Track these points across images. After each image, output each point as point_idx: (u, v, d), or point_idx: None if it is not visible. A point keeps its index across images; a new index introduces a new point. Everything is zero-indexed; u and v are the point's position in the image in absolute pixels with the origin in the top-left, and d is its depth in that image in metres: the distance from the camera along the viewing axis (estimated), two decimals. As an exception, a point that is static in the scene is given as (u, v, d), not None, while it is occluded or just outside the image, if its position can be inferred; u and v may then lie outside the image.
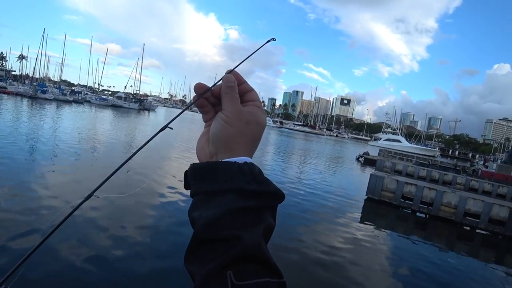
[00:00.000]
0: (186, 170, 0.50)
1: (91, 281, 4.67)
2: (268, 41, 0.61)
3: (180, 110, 0.64)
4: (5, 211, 6.47)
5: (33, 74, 66.76)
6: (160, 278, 5.00)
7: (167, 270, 5.21)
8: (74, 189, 8.48)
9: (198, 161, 0.53)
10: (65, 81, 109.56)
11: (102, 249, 5.59)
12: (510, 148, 32.01)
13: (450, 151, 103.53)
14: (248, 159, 0.48)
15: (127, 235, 6.30)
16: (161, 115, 64.59)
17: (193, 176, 0.48)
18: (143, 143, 0.60)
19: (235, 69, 0.55)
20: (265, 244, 0.43)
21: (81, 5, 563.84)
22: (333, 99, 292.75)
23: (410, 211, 12.33)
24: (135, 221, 7.04)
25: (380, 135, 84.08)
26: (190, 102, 0.55)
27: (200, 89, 0.53)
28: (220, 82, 0.53)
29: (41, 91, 48.79)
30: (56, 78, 78.25)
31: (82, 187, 8.65)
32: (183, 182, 0.51)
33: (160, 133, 0.59)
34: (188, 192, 0.50)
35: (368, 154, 32.57)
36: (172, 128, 0.56)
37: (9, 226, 5.77)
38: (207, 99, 0.54)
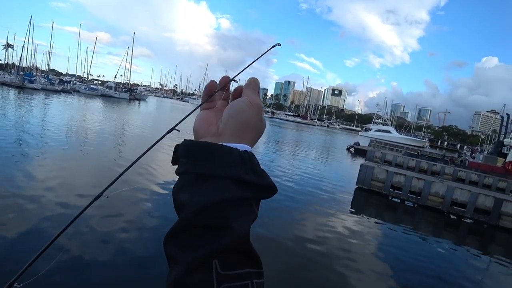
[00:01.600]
0: (177, 145, 0.47)
1: (99, 278, 4.72)
2: (273, 46, 0.62)
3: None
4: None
5: (19, 63, 65.13)
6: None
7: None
8: (63, 184, 8.44)
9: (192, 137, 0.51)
10: (53, 70, 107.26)
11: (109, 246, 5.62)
12: (496, 139, 32.53)
13: (439, 142, 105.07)
14: (249, 148, 0.47)
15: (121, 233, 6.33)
16: (152, 105, 63.95)
17: (186, 154, 0.45)
18: (150, 145, 0.59)
19: (237, 75, 0.57)
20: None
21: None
22: (325, 89, 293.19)
23: (399, 201, 12.57)
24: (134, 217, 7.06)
25: (371, 125, 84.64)
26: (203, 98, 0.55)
27: (225, 83, 0.55)
28: (258, 59, 0.56)
29: (29, 81, 47.67)
30: (44, 67, 76.61)
31: (72, 182, 8.62)
32: (171, 157, 0.48)
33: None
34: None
35: (359, 145, 32.89)
36: (179, 130, 0.57)
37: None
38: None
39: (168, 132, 0.60)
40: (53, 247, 0.59)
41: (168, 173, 10.38)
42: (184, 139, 0.47)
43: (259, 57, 0.55)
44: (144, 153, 0.58)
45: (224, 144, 0.45)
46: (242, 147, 0.46)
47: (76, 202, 6.89)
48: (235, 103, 0.50)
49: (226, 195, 0.41)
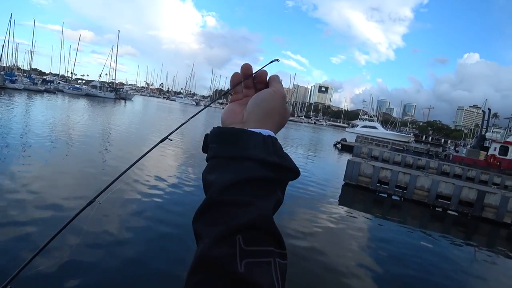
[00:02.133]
0: (207, 133, 0.50)
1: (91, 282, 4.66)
2: (272, 62, 0.64)
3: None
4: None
5: (0, 63, 63.40)
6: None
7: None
8: (50, 188, 8.29)
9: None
10: (35, 69, 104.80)
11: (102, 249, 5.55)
12: (478, 134, 33.30)
13: (424, 137, 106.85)
14: (272, 133, 0.50)
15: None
16: (138, 104, 63.12)
17: (215, 139, 0.49)
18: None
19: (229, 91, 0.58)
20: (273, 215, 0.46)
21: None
22: (311, 86, 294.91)
23: (386, 195, 12.77)
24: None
25: (357, 122, 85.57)
26: (213, 98, 0.53)
27: (246, 70, 0.56)
28: (261, 68, 0.57)
29: (10, 81, 46.31)
30: (26, 67, 74.43)
31: (58, 186, 8.47)
32: (202, 145, 0.51)
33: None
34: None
35: (346, 141, 33.20)
36: (171, 140, 0.58)
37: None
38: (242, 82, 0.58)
39: (161, 141, 0.61)
40: (45, 252, 0.60)
41: (154, 178, 10.30)
42: (214, 127, 0.50)
43: (259, 70, 0.56)
44: (136, 161, 0.59)
45: (249, 129, 0.48)
46: (265, 132, 0.49)
47: (66, 206, 6.79)
48: (260, 93, 0.54)
49: (250, 174, 0.44)
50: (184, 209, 7.66)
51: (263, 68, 0.57)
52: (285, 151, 0.47)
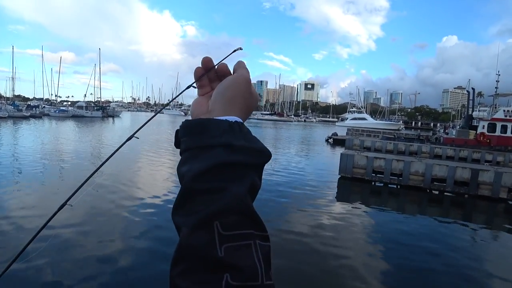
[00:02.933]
0: (177, 129, 0.51)
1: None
2: (235, 51, 0.64)
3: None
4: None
5: (-19, 93, 62.42)
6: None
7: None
8: (43, 206, 8.16)
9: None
10: (19, 96, 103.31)
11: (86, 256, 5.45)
12: (465, 114, 33.79)
13: (413, 123, 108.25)
14: (239, 119, 0.50)
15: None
16: (126, 120, 62.66)
17: (184, 132, 0.50)
18: (110, 152, 0.61)
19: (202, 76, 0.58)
20: (251, 201, 0.46)
21: (26, 13, 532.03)
22: (297, 85, 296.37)
23: (382, 184, 12.85)
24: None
25: (346, 115, 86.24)
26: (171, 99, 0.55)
27: (207, 63, 0.57)
28: (222, 62, 0.58)
29: (-7, 110, 45.84)
30: (9, 94, 73.39)
31: (50, 203, 8.32)
32: (173, 141, 0.52)
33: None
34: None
35: (337, 135, 33.38)
36: (138, 138, 0.57)
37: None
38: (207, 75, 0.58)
39: (128, 139, 0.60)
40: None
41: (130, 180, 10.21)
42: (182, 121, 0.51)
43: (221, 61, 0.57)
44: (106, 160, 0.59)
45: (215, 117, 0.49)
46: (232, 118, 0.49)
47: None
48: (223, 81, 0.54)
49: (219, 160, 0.45)
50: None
51: (224, 60, 0.57)
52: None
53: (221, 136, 0.46)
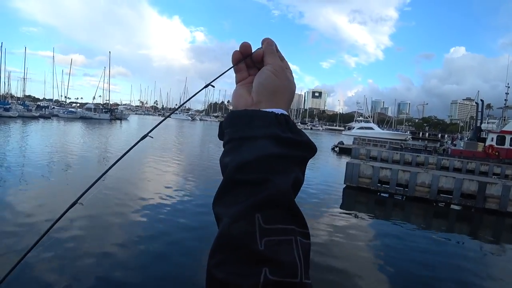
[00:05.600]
0: (221, 121, 0.52)
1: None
2: (206, 86, 0.65)
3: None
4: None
5: (-7, 92, 63.34)
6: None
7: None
8: (51, 207, 8.22)
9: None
10: (29, 96, 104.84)
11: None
12: (474, 125, 33.44)
13: (421, 133, 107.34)
14: (284, 112, 0.50)
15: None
16: (134, 123, 63.04)
17: (229, 123, 0.49)
18: (123, 152, 0.62)
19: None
20: (294, 195, 0.44)
21: (39, 16, 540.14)
22: (305, 92, 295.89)
23: (387, 195, 12.72)
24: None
25: (353, 124, 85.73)
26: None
27: (246, 48, 0.56)
28: (259, 48, 0.56)
29: (4, 109, 46.31)
30: (20, 94, 74.39)
31: (58, 203, 8.40)
32: (217, 132, 0.52)
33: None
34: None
35: (343, 144, 33.22)
36: (152, 137, 0.59)
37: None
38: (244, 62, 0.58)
39: (142, 138, 0.61)
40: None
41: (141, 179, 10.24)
42: (228, 111, 0.51)
43: (256, 50, 0.56)
44: (119, 159, 0.59)
45: (260, 109, 0.49)
46: (277, 111, 0.49)
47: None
48: (260, 72, 0.54)
49: (264, 152, 0.44)
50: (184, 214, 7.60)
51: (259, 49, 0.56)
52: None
53: (267, 127, 0.46)
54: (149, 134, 0.60)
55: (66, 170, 13.25)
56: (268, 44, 0.56)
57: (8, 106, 49.01)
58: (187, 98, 0.76)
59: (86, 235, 6.52)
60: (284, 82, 0.53)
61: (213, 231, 0.39)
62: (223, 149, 0.49)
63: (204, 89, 0.64)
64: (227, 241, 0.39)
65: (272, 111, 0.48)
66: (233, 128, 0.48)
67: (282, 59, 0.57)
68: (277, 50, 0.56)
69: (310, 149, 0.49)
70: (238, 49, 0.56)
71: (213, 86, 0.58)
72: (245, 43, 0.56)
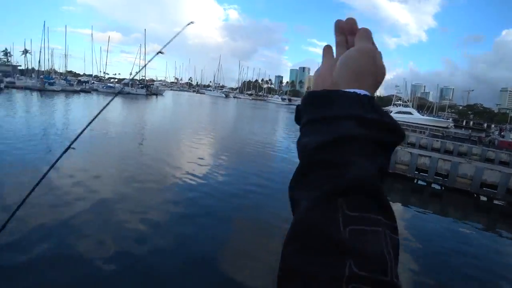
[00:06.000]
0: (298, 105, 0.48)
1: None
2: (157, 54, 0.48)
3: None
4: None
5: (38, 68, 66.68)
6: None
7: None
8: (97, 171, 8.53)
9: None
10: (70, 71, 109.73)
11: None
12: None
13: (464, 121, 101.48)
14: (368, 93, 0.44)
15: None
16: (169, 98, 64.54)
17: (307, 104, 0.46)
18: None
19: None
20: (381, 183, 0.38)
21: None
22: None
23: (425, 183, 12.14)
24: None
25: (391, 108, 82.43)
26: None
27: (351, 23, 0.52)
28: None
29: (49, 84, 48.77)
30: (62, 70, 78.04)
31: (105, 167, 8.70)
32: (294, 115, 0.50)
33: None
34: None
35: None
36: (74, 148, 0.44)
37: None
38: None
39: (65, 151, 0.45)
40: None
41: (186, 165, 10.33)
42: (307, 92, 0.48)
43: (175, 36, 0.43)
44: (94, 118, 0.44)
45: (342, 90, 0.45)
46: (360, 91, 0.44)
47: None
48: (346, 52, 0.50)
49: (347, 133, 0.40)
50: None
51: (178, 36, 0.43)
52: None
53: (349, 108, 0.42)
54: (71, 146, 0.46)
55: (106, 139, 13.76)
56: (365, 29, 0.51)
57: (52, 81, 51.55)
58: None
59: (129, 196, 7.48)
60: (370, 64, 0.48)
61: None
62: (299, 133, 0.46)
63: (157, 55, 0.47)
64: (306, 228, 0.35)
65: (354, 91, 0.44)
66: (312, 109, 0.45)
67: (373, 44, 0.51)
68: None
69: (398, 134, 0.42)
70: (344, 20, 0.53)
71: (162, 53, 0.41)
72: (351, 19, 0.52)
